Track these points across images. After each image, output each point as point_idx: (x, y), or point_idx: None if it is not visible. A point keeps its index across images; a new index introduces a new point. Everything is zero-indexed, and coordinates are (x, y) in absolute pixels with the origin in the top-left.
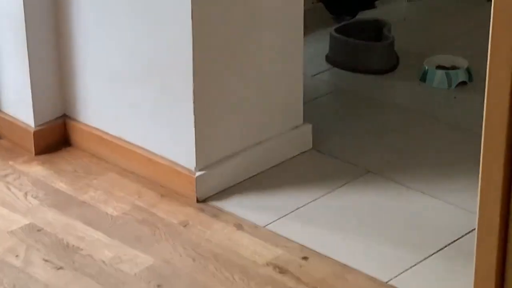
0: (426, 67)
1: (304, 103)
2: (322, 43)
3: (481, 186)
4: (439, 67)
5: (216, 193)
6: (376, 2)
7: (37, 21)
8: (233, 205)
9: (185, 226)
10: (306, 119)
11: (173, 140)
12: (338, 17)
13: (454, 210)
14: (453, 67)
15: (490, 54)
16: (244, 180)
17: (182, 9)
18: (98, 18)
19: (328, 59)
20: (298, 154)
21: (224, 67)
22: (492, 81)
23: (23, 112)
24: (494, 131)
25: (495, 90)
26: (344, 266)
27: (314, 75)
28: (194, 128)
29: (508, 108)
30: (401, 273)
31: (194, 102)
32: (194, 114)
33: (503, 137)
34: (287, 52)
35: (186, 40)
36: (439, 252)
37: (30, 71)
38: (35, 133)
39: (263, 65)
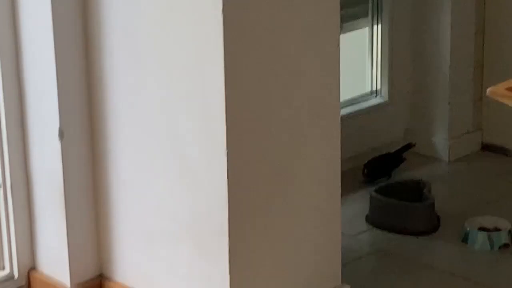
0: (468, 229)
1: (344, 264)
2: (362, 203)
3: None
4: (481, 228)
5: None
6: (406, 157)
7: (75, 182)
8: None
9: None
10: (345, 280)
11: None
12: (373, 180)
13: None
14: (496, 229)
15: None
16: None
17: (217, 171)
18: (136, 180)
19: (368, 219)
20: None
21: (260, 228)
22: None
23: (59, 271)
24: None
25: None
26: None
27: (354, 235)
28: None
29: None
30: None
31: (229, 263)
32: (230, 275)
33: None
34: (325, 211)
35: (222, 203)
36: None
37: (67, 230)
38: None
39: (300, 223)
